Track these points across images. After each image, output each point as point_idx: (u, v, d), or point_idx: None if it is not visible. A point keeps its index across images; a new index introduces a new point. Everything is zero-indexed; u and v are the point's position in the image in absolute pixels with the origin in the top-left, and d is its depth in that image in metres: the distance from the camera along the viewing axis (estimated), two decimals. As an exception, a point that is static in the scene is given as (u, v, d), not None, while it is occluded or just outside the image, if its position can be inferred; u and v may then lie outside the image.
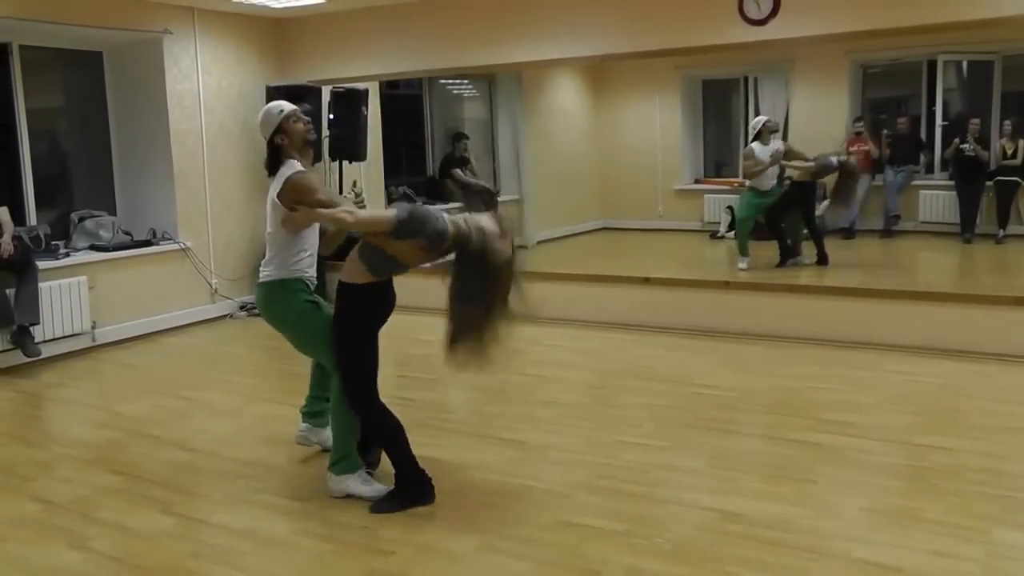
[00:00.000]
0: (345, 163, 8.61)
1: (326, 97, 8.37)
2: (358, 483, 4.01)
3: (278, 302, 4.10)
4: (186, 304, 7.80)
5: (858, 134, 10.85)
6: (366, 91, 8.54)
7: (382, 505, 3.89)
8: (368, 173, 9.10)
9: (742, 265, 8.60)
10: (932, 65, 11.04)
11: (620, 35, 6.95)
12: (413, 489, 3.92)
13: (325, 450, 4.40)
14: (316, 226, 4.14)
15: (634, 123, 12.67)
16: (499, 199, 10.74)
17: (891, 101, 11.99)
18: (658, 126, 12.43)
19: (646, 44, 6.82)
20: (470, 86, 11.51)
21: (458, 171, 10.47)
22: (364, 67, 8.16)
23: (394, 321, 7.62)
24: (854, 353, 6.17)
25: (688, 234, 11.93)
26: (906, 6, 6.01)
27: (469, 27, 7.56)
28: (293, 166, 3.96)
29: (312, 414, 4.54)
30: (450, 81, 11.16)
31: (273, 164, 4.02)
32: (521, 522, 3.70)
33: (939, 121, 11.08)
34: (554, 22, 7.20)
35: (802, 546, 3.43)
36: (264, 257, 4.11)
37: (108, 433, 5.06)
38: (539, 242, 11.37)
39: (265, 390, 6.00)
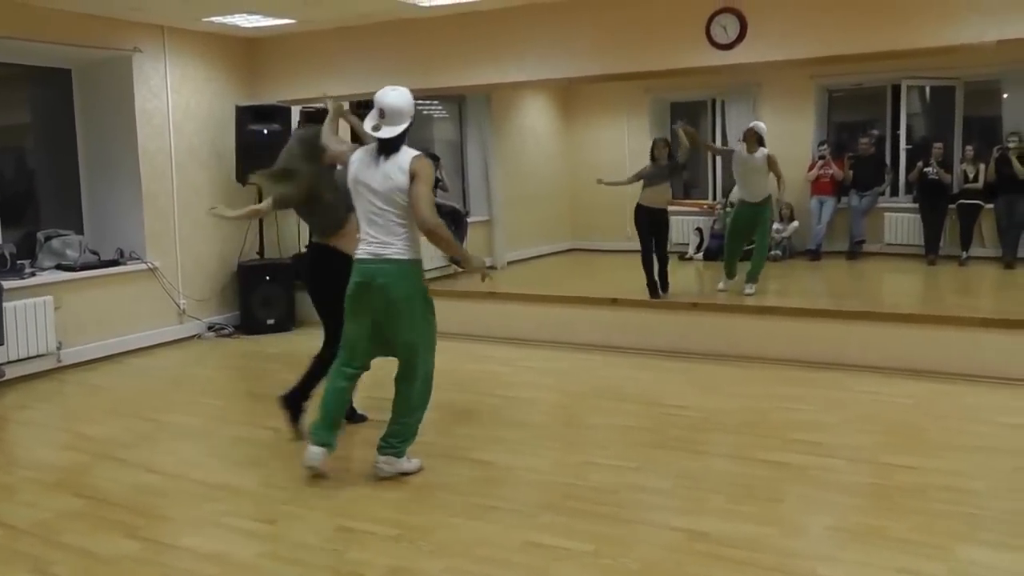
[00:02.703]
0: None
1: (295, 117, 8.34)
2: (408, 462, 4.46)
3: (410, 279, 4.26)
4: (153, 324, 7.74)
5: (822, 157, 11.01)
6: (335, 112, 8.54)
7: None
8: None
9: (721, 286, 8.47)
10: (896, 90, 11.24)
11: (588, 58, 7.01)
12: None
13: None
14: None
15: (603, 145, 12.75)
16: (468, 219, 10.87)
17: (856, 125, 12.15)
18: (627, 148, 12.48)
19: (614, 67, 6.88)
20: (439, 107, 11.54)
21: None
22: (334, 87, 8.09)
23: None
24: (822, 373, 6.23)
25: (666, 256, 11.94)
26: (869, 33, 6.12)
27: (438, 48, 7.60)
28: (412, 151, 4.17)
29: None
30: (420, 102, 11.13)
31: (393, 147, 4.15)
32: (489, 543, 3.70)
33: (903, 144, 11.26)
34: (523, 45, 7.25)
35: (768, 565, 3.45)
36: (389, 235, 4.19)
37: (73, 456, 5.00)
38: (509, 263, 11.40)
39: (233, 412, 5.96)
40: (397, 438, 4.45)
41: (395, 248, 4.20)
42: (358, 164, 4.26)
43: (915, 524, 3.78)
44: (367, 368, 4.57)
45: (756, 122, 8.77)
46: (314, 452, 4.43)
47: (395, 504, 4.14)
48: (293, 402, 5.15)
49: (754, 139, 8.44)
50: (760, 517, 3.89)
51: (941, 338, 6.18)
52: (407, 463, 4.49)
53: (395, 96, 4.18)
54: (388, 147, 4.17)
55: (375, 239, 4.22)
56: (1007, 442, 4.81)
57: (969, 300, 8.96)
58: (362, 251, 4.27)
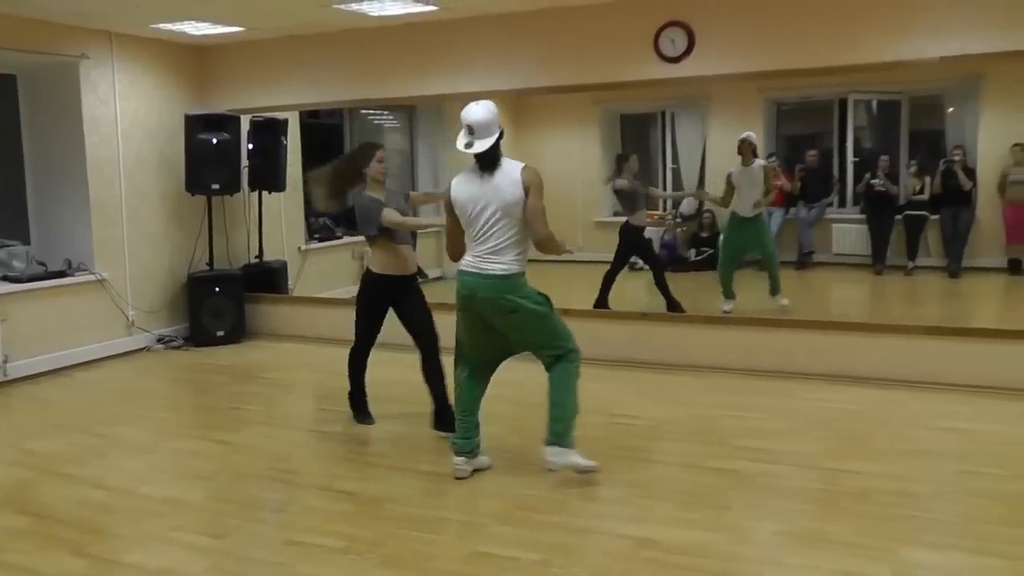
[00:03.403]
0: (264, 193, 8.55)
1: (245, 126, 8.30)
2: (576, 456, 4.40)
3: (521, 290, 4.31)
4: (102, 337, 7.61)
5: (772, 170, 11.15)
6: (285, 121, 8.52)
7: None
8: (287, 203, 9.05)
9: (726, 308, 8.15)
10: (843, 103, 11.45)
11: (537, 70, 7.05)
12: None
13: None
14: None
15: (554, 156, 12.77)
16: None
17: (804, 137, 12.35)
18: (577, 159, 12.58)
19: (563, 79, 6.92)
20: (391, 117, 11.53)
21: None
22: (284, 96, 8.12)
23: (315, 354, 7.67)
24: (770, 382, 6.30)
25: (608, 266, 11.98)
26: (815, 48, 6.23)
27: (389, 59, 7.59)
28: (517, 162, 4.30)
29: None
30: (371, 112, 11.16)
31: (491, 160, 4.28)
32: (439, 555, 3.69)
33: (850, 157, 11.46)
34: (472, 56, 7.28)
35: (715, 571, 3.49)
36: (498, 251, 4.28)
37: (18, 472, 4.89)
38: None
39: (181, 424, 5.90)
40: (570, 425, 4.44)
41: (503, 264, 4.28)
42: (460, 186, 4.37)
43: (860, 527, 3.84)
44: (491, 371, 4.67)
45: (748, 132, 8.58)
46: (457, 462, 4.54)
47: (344, 517, 4.12)
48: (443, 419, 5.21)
49: (749, 150, 8.25)
50: (708, 524, 3.92)
51: (887, 346, 6.29)
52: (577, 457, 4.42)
53: (478, 110, 4.28)
54: (486, 161, 4.26)
55: (480, 252, 4.31)
56: (950, 446, 4.90)
57: (915, 309, 9.13)
58: (468, 265, 4.36)
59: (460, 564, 3.60)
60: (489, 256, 4.26)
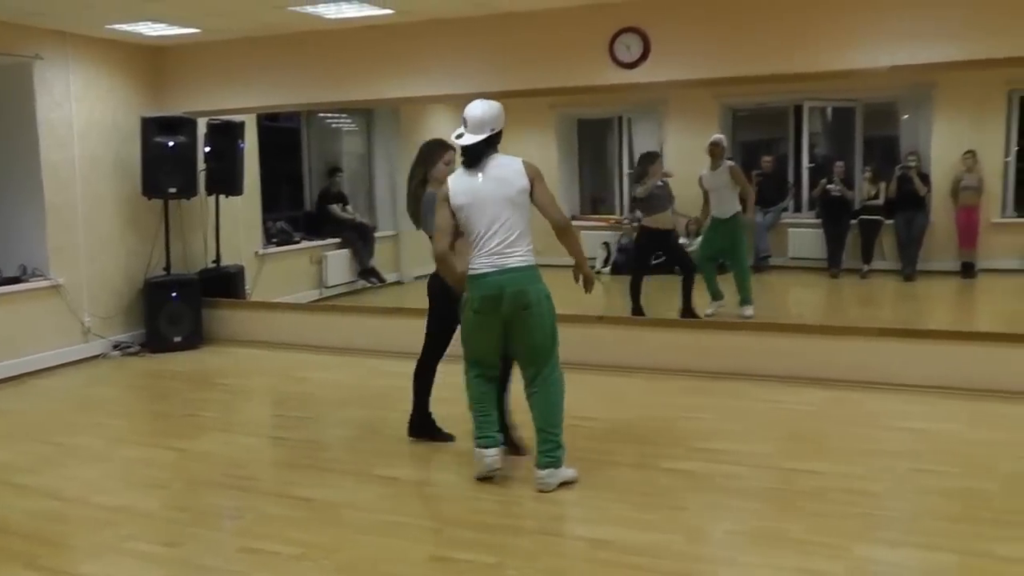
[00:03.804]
0: (222, 197, 8.47)
1: (202, 129, 8.22)
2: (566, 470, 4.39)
3: (539, 283, 4.32)
4: (57, 344, 7.46)
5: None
6: (242, 123, 8.45)
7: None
8: (245, 207, 8.97)
9: (709, 311, 8.10)
10: (798, 110, 11.57)
11: (493, 74, 7.05)
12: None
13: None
14: None
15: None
16: (376, 234, 10.83)
17: (760, 143, 12.46)
18: (534, 163, 12.55)
19: (519, 84, 6.92)
20: (349, 120, 11.48)
21: (335, 207, 10.52)
22: (241, 99, 8.06)
23: (272, 360, 7.61)
24: (726, 383, 6.34)
25: (565, 270, 11.97)
26: (770, 55, 6.31)
27: (346, 62, 7.57)
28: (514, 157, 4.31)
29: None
30: (328, 115, 11.11)
31: (482, 156, 4.26)
32: (394, 559, 3.67)
33: (805, 163, 11.58)
34: (429, 60, 7.27)
35: (670, 571, 3.50)
36: (510, 243, 4.26)
37: (-32, 483, 4.79)
38: (416, 278, 11.36)
39: (136, 432, 5.82)
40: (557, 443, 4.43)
41: (519, 256, 4.28)
42: (457, 184, 4.32)
43: (814, 526, 3.87)
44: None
45: (718, 135, 8.60)
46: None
47: (300, 523, 4.08)
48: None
49: (720, 153, 8.24)
50: (663, 524, 3.94)
51: (842, 347, 6.36)
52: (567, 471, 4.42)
53: (475, 105, 4.31)
54: (470, 156, 4.27)
55: (494, 248, 4.26)
56: (903, 445, 4.96)
57: (870, 311, 9.24)
58: (484, 266, 4.28)
59: (416, 569, 3.59)
60: (504, 251, 4.24)
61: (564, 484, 4.35)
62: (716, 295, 8.24)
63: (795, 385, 6.19)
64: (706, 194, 8.26)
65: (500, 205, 4.22)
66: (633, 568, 3.52)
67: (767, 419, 5.52)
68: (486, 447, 4.44)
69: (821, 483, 4.38)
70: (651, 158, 8.25)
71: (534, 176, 4.26)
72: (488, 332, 4.37)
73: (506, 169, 4.26)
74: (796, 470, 4.54)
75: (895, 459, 4.73)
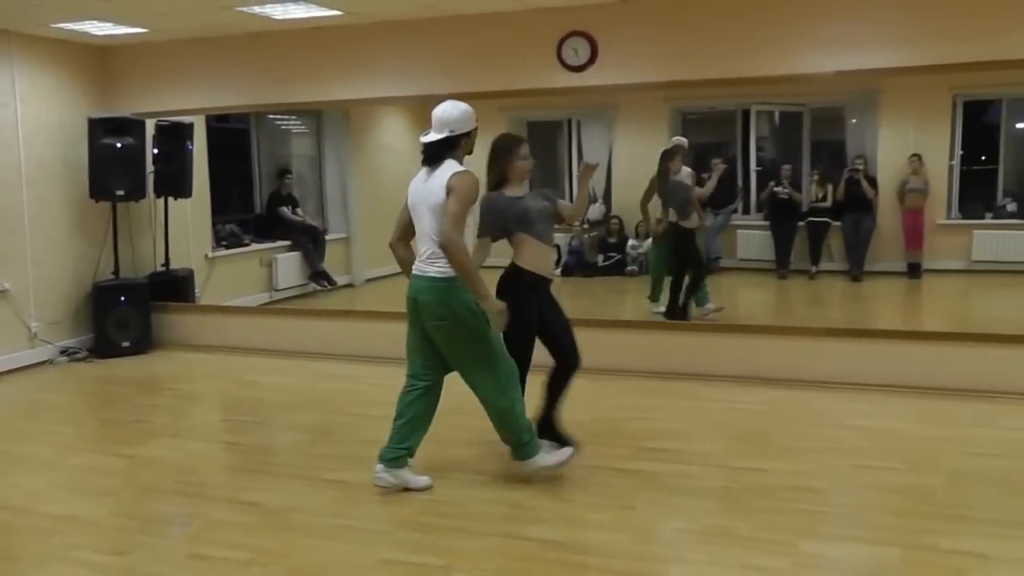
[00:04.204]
0: (171, 199, 8.37)
1: (150, 131, 8.11)
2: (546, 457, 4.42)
3: (456, 297, 4.17)
4: (3, 350, 7.31)
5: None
6: (191, 125, 8.35)
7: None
8: (194, 209, 8.88)
9: (655, 310, 8.10)
10: (746, 114, 11.68)
11: (442, 76, 7.05)
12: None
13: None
14: None
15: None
16: (327, 237, 10.77)
17: (710, 146, 12.57)
18: (484, 166, 12.57)
19: (468, 86, 6.89)
20: (298, 122, 11.39)
21: (285, 209, 10.44)
22: (190, 100, 7.98)
23: (222, 364, 7.53)
24: (675, 383, 6.38)
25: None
26: (717, 60, 6.38)
27: (295, 63, 7.53)
28: (459, 166, 4.23)
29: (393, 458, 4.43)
30: (278, 116, 11.02)
31: (437, 158, 4.22)
32: (343, 563, 3.65)
33: (753, 166, 11.71)
34: (378, 61, 7.25)
35: (620, 570, 3.52)
36: (434, 253, 4.19)
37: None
38: (367, 280, 11.33)
39: (84, 439, 5.71)
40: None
41: (437, 267, 4.18)
42: (414, 182, 4.32)
43: (762, 523, 3.93)
44: (432, 381, 4.44)
45: (680, 138, 8.57)
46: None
47: (249, 529, 4.05)
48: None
49: (681, 157, 8.16)
50: (612, 524, 3.96)
51: (790, 347, 6.44)
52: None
53: (442, 106, 4.29)
54: (429, 156, 4.25)
55: (423, 255, 4.23)
56: (849, 443, 5.04)
57: (817, 311, 9.37)
58: (415, 268, 4.29)
59: (365, 572, 3.57)
60: (428, 259, 4.20)
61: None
62: (657, 297, 8.31)
63: (744, 385, 6.26)
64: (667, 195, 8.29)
65: (428, 213, 4.20)
66: (583, 568, 3.54)
67: (716, 419, 5.57)
68: (380, 460, 4.41)
69: (768, 481, 4.43)
70: (674, 153, 8.08)
71: (451, 188, 4.12)
72: (411, 336, 4.37)
73: (439, 178, 4.18)
74: (744, 468, 4.59)
75: (841, 456, 4.81)
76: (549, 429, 4.75)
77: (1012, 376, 5.93)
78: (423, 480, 4.42)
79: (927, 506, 4.10)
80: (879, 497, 4.25)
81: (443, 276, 4.16)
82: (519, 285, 4.53)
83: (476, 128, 4.34)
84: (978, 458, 4.75)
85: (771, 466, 4.64)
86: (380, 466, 4.37)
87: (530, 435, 4.41)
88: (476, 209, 4.31)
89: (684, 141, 8.42)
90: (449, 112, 4.26)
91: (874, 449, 4.93)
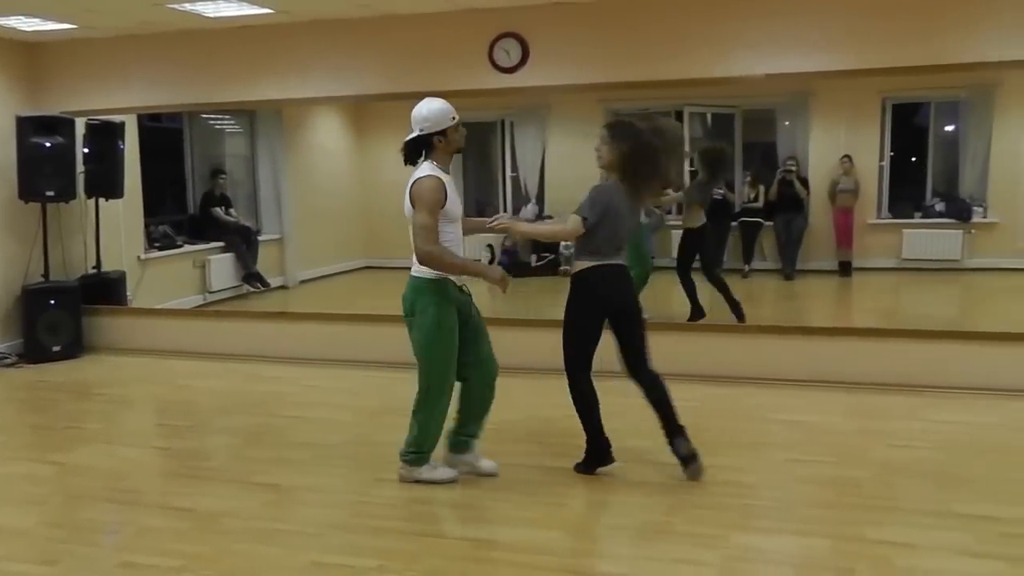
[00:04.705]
0: (102, 200, 8.21)
1: (80, 130, 7.95)
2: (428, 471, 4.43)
3: (422, 295, 4.33)
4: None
5: (611, 178, 11.44)
6: (123, 124, 8.21)
7: (580, 466, 4.49)
8: (126, 210, 8.72)
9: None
10: (679, 115, 11.78)
11: (375, 77, 7.04)
12: (599, 454, 4.48)
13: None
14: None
15: (396, 163, 12.51)
16: (260, 238, 10.68)
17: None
18: (429, 182, 12.55)
19: (400, 86, 6.91)
20: (232, 121, 11.27)
21: (218, 210, 10.32)
22: (121, 98, 7.84)
23: (155, 367, 7.41)
24: (609, 382, 6.31)
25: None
26: (648, 62, 6.46)
27: (228, 62, 7.45)
28: (426, 169, 4.21)
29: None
30: (211, 116, 10.89)
31: (412, 157, 4.27)
32: (275, 568, 3.63)
33: (686, 167, 11.83)
34: (311, 61, 7.21)
35: (553, 567, 3.54)
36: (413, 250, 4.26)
37: None
38: (301, 282, 11.26)
39: (12, 447, 5.55)
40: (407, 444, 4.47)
41: (416, 265, 4.28)
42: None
43: (693, 517, 3.99)
44: (464, 377, 4.58)
45: None
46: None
47: (180, 534, 3.99)
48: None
49: None
50: (546, 521, 3.99)
51: (724, 344, 6.55)
52: (428, 471, 4.44)
53: (418, 104, 4.27)
54: (404, 156, 4.30)
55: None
56: (781, 438, 5.14)
57: (751, 309, 9.41)
58: None
59: (296, 575, 3.55)
60: (412, 255, 4.28)
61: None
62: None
63: (678, 382, 6.15)
64: None
65: (409, 215, 4.26)
66: (516, 565, 3.56)
67: (650, 416, 5.60)
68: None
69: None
70: (717, 155, 8.23)
71: (414, 199, 4.18)
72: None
73: (410, 181, 4.24)
74: (675, 464, 4.63)
75: (774, 450, 4.91)
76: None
77: (939, 371, 6.09)
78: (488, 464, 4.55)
79: (856, 498, 4.20)
80: (810, 490, 4.34)
81: (416, 275, 4.30)
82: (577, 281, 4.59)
83: (454, 125, 4.28)
84: (905, 450, 4.87)
85: (704, 461, 4.66)
86: (447, 452, 4.54)
87: (429, 449, 4.48)
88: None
89: None
90: (419, 110, 4.26)
91: (806, 443, 5.03)
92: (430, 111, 4.23)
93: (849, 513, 4.01)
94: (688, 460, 4.39)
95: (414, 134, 4.26)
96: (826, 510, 4.07)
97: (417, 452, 4.42)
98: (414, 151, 4.27)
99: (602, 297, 4.53)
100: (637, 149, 4.38)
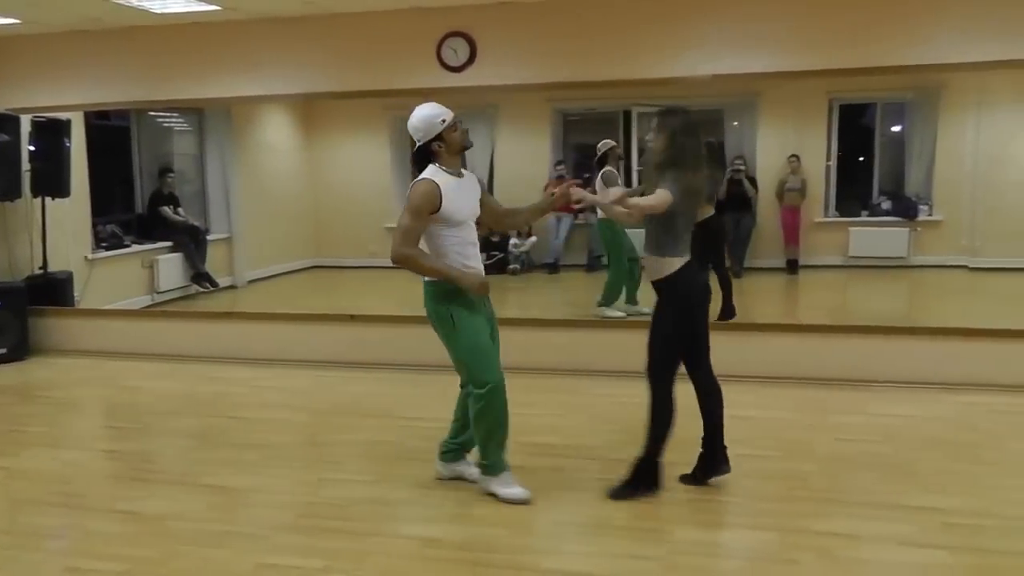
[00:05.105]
0: (48, 199, 8.08)
1: (26, 127, 7.82)
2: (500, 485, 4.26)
3: (431, 302, 4.31)
4: None
5: (560, 177, 11.48)
6: (69, 122, 8.09)
7: (619, 492, 4.21)
8: (73, 210, 8.60)
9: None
10: (627, 115, 11.90)
11: (324, 75, 7.04)
12: (647, 479, 4.22)
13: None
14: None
15: (345, 162, 12.78)
16: (209, 237, 10.58)
17: (591, 147, 12.75)
18: (368, 165, 12.60)
19: (348, 85, 6.93)
20: (180, 119, 11.15)
21: (166, 209, 10.21)
22: (68, 96, 7.72)
23: (102, 369, 7.31)
24: (558, 379, 6.46)
25: (400, 271, 12.01)
26: (596, 62, 6.51)
27: (176, 59, 7.38)
28: (427, 172, 4.12)
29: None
30: (159, 114, 10.76)
31: (422, 166, 4.16)
32: (221, 570, 3.62)
33: (635, 167, 11.94)
34: (259, 59, 7.18)
35: (499, 563, 3.58)
36: None
37: None
38: (250, 281, 11.19)
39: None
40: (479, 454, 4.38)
41: None
42: None
43: (639, 512, 4.05)
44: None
45: (609, 141, 8.58)
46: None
47: (126, 538, 3.97)
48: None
49: (617, 157, 8.36)
50: (492, 519, 4.02)
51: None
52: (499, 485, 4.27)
53: (410, 116, 4.18)
54: (413, 169, 4.23)
55: None
56: (728, 432, 5.06)
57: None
58: None
59: (243, 577, 3.55)
60: None
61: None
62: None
63: (627, 379, 6.26)
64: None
65: None
66: (462, 563, 3.59)
67: (597, 413, 5.66)
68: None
69: (647, 472, 4.54)
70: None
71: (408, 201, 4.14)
72: None
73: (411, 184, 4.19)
74: (624, 461, 4.63)
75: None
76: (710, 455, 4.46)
77: (885, 365, 6.22)
78: (475, 471, 4.44)
79: (802, 491, 4.28)
80: (756, 484, 4.40)
81: (425, 281, 4.27)
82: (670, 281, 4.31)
83: (449, 127, 4.18)
84: (851, 444, 4.97)
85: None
86: (438, 461, 4.53)
87: (503, 453, 4.32)
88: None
89: (613, 143, 8.55)
90: (410, 122, 4.19)
91: (753, 438, 5.09)
92: (419, 120, 4.17)
93: (795, 506, 4.09)
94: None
95: (418, 143, 4.20)
96: (772, 503, 4.14)
97: (491, 462, 4.30)
98: (421, 161, 4.21)
99: (702, 295, 4.40)
100: (686, 123, 4.22)
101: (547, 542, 3.82)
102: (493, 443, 4.24)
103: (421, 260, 4.12)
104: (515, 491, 4.21)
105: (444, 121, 4.16)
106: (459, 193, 4.17)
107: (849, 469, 4.61)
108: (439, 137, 4.15)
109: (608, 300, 8.15)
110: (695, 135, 4.25)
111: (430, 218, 4.08)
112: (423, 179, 4.11)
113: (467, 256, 4.21)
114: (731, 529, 3.91)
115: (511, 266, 11.13)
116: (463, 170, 4.30)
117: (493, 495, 4.23)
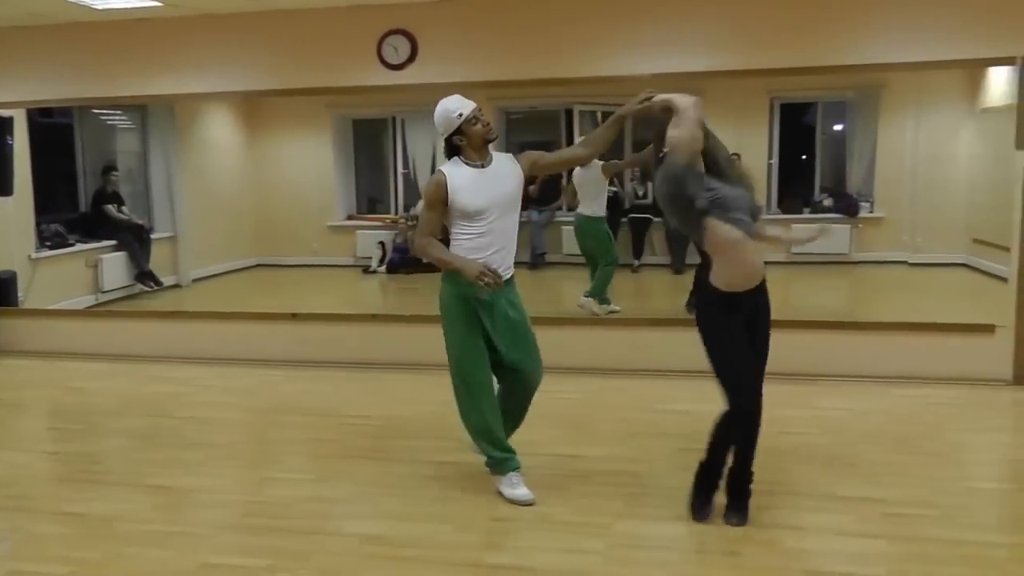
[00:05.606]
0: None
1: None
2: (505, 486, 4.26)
3: (441, 290, 4.39)
4: None
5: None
6: (11, 119, 7.96)
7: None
8: (15, 208, 8.48)
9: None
10: (569, 114, 11.95)
11: (266, 72, 7.04)
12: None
13: None
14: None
15: (288, 160, 12.70)
16: (153, 236, 10.47)
17: (533, 145, 12.80)
18: (311, 163, 12.56)
19: (291, 82, 6.94)
20: (123, 117, 11.02)
21: (110, 207, 10.10)
22: (8, 93, 7.63)
23: (47, 370, 7.24)
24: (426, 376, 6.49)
25: (342, 269, 12.12)
26: (534, 61, 6.58)
27: (119, 56, 7.33)
28: (445, 165, 4.19)
29: None
30: (103, 111, 10.64)
31: (450, 157, 4.23)
32: (165, 571, 3.63)
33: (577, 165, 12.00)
34: (201, 56, 7.16)
35: (440, 560, 3.64)
36: None
37: None
38: (194, 280, 11.12)
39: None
40: None
41: None
42: None
43: (579, 507, 4.11)
44: (497, 380, 4.49)
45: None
46: None
47: (71, 541, 3.96)
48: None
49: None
50: (434, 516, 4.08)
51: (611, 337, 6.73)
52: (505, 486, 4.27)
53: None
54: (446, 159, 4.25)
55: None
56: (671, 427, 5.25)
57: (640, 303, 9.70)
58: None
59: (186, 577, 3.57)
60: None
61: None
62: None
63: (568, 375, 6.34)
64: (574, 190, 8.48)
65: None
66: (404, 560, 3.65)
67: (539, 409, 5.61)
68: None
69: (588, 466, 4.63)
70: None
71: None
72: None
73: None
74: (564, 455, 4.76)
75: (663, 440, 5.03)
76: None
77: (827, 360, 6.36)
78: (529, 496, 4.29)
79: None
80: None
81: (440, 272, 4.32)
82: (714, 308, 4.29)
83: (468, 120, 4.15)
84: (794, 437, 5.05)
85: (591, 452, 4.84)
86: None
87: (499, 452, 4.32)
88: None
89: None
90: (434, 117, 4.22)
91: (693, 432, 5.04)
92: (437, 115, 4.20)
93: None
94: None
95: (442, 137, 4.25)
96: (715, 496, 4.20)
97: (488, 457, 4.33)
98: (450, 153, 4.25)
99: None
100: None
101: (489, 538, 3.88)
102: (484, 441, 4.31)
103: (430, 249, 4.20)
104: (518, 492, 4.22)
105: (461, 115, 4.15)
106: (478, 184, 4.15)
107: (791, 461, 4.68)
108: (459, 131, 4.17)
109: (597, 292, 8.26)
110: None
111: (446, 209, 4.15)
112: (436, 173, 4.22)
113: (482, 248, 4.17)
114: (672, 522, 3.94)
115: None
116: (495, 156, 4.30)
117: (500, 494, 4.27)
